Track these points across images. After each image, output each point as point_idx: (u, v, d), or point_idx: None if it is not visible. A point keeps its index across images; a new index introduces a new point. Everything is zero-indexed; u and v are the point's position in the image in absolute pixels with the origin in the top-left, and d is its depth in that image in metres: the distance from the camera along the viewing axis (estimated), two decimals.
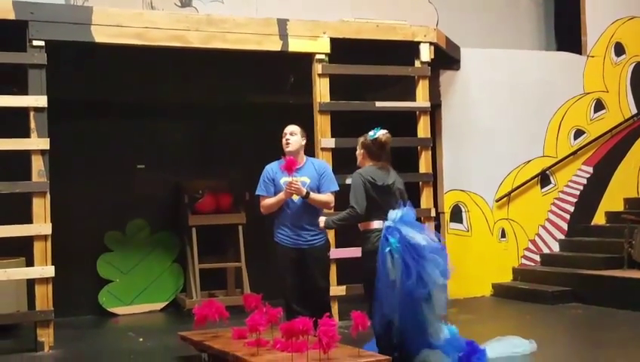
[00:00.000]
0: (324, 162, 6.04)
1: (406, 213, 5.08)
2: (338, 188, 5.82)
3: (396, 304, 4.90)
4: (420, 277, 4.86)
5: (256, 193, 5.86)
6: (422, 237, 4.97)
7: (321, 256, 5.73)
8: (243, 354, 5.05)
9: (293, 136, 5.78)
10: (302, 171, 5.76)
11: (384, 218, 5.09)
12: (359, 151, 5.44)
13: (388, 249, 4.93)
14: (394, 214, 5.06)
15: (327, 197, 5.74)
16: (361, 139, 5.44)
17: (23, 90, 6.59)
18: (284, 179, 5.67)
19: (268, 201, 5.78)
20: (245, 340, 5.36)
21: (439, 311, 4.98)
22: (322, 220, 5.40)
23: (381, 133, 5.36)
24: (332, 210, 5.86)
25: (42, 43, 6.54)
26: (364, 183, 5.21)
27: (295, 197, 5.65)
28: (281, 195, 5.69)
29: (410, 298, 4.88)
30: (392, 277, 4.89)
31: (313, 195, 5.65)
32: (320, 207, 5.71)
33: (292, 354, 4.77)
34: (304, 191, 5.61)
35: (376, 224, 5.17)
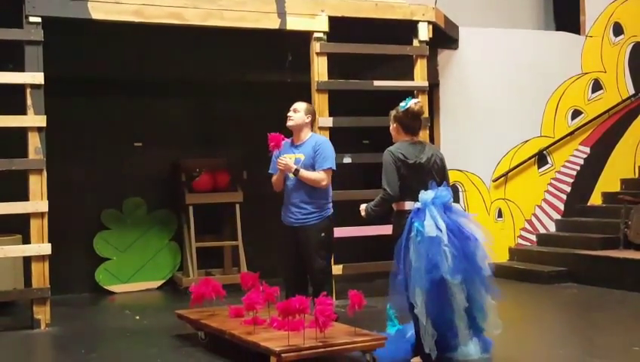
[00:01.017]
0: (323, 139, 5.89)
1: (439, 195, 4.71)
2: (332, 166, 5.70)
3: (420, 296, 4.60)
4: (430, 271, 4.56)
5: (269, 171, 5.87)
6: (441, 225, 4.59)
7: (314, 236, 5.62)
8: (239, 333, 5.07)
9: (295, 113, 5.76)
10: (301, 148, 5.74)
11: (417, 198, 4.74)
12: (392, 126, 5.01)
13: (412, 234, 4.63)
14: (425, 195, 4.69)
15: (317, 174, 5.63)
16: (392, 113, 5.00)
17: (19, 67, 6.55)
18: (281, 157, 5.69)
19: (273, 178, 5.82)
20: (242, 319, 5.38)
21: (459, 309, 4.63)
22: (363, 208, 5.02)
23: (413, 102, 4.94)
24: (324, 187, 5.70)
25: (39, 19, 6.48)
26: (394, 161, 4.80)
27: (291, 175, 5.65)
28: (278, 172, 5.72)
29: (431, 291, 4.59)
30: (415, 265, 4.59)
31: (303, 172, 5.60)
32: (314, 185, 5.63)
33: (288, 333, 4.78)
34: (293, 167, 5.60)
35: (409, 205, 4.78)
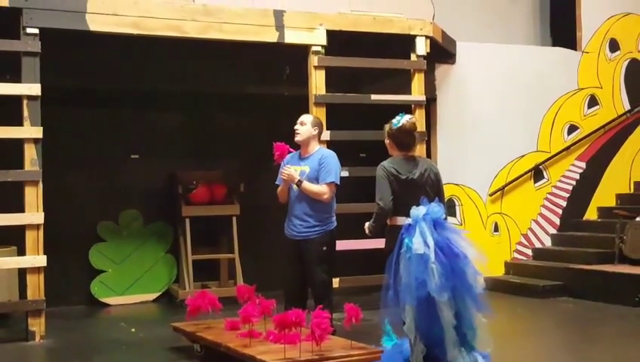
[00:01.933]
0: (329, 153, 5.82)
1: (431, 211, 4.66)
2: (336, 181, 5.67)
3: (409, 312, 4.59)
4: (417, 288, 4.52)
5: (276, 183, 5.86)
6: (430, 242, 4.56)
7: (315, 249, 5.61)
8: (235, 346, 5.06)
9: (302, 126, 5.74)
10: (308, 161, 5.73)
11: (409, 214, 4.70)
12: (387, 142, 5.07)
13: (403, 250, 4.61)
14: (417, 211, 4.66)
15: (319, 187, 5.61)
16: (386, 128, 5.05)
17: (16, 78, 6.55)
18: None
19: (278, 190, 5.81)
20: (238, 331, 5.37)
21: (447, 326, 4.57)
22: (366, 226, 5.07)
23: (406, 120, 4.96)
24: (326, 201, 5.70)
25: (36, 31, 6.49)
26: (387, 176, 4.87)
27: (295, 187, 5.64)
28: (283, 183, 5.72)
29: (420, 307, 4.56)
30: (405, 281, 4.57)
31: (306, 184, 5.59)
32: (317, 199, 5.61)
33: (284, 346, 4.77)
34: (296, 178, 5.59)
35: (401, 220, 4.79)
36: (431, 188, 4.97)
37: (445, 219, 4.77)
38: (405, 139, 4.99)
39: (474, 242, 4.84)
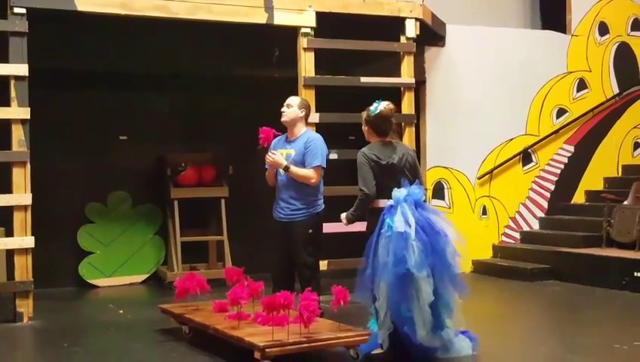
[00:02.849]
0: (315, 136, 5.79)
1: (412, 192, 4.82)
2: (322, 164, 5.65)
3: (383, 290, 4.71)
4: (396, 265, 4.64)
5: (265, 166, 5.82)
6: (411, 221, 4.68)
7: (301, 231, 5.60)
8: (223, 328, 5.07)
9: (289, 108, 5.70)
10: (293, 144, 5.70)
11: (390, 197, 4.85)
12: (364, 128, 5.16)
13: (383, 230, 4.74)
14: (398, 193, 4.81)
15: (306, 171, 5.58)
16: (363, 115, 5.14)
17: (3, 59, 6.49)
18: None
19: (266, 173, 5.79)
20: (226, 313, 5.38)
21: (423, 304, 4.66)
22: (343, 217, 5.15)
23: (383, 106, 5.05)
24: (314, 185, 5.69)
25: (23, 10, 6.43)
26: (368, 162, 4.97)
27: (282, 171, 5.62)
28: (270, 167, 5.70)
29: (395, 285, 4.67)
30: (382, 261, 4.70)
31: (293, 168, 5.57)
32: (303, 182, 5.60)
33: (273, 328, 4.78)
34: (283, 163, 5.57)
35: (382, 203, 4.91)
36: (409, 171, 5.08)
37: (425, 201, 4.93)
38: (383, 125, 5.08)
39: (454, 224, 4.97)
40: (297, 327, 4.76)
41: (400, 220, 4.70)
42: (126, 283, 8.60)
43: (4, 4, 6.44)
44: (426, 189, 5.07)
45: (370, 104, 5.17)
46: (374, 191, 4.94)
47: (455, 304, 4.86)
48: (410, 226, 4.68)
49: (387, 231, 4.73)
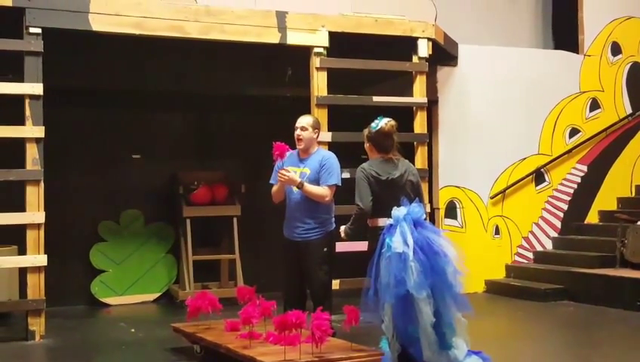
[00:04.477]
0: (330, 154, 5.80)
1: (412, 211, 4.75)
2: (337, 183, 5.65)
3: (387, 311, 4.65)
4: (396, 286, 4.58)
5: (270, 181, 5.82)
6: (409, 241, 4.62)
7: (316, 251, 5.58)
8: (235, 347, 5.05)
9: (303, 132, 5.68)
10: (307, 162, 5.69)
11: (390, 215, 4.78)
12: (366, 145, 5.17)
13: (384, 250, 4.68)
14: (397, 212, 4.75)
15: (321, 190, 5.57)
16: (365, 132, 5.16)
17: (19, 78, 6.55)
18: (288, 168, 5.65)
19: (273, 189, 5.77)
20: (238, 332, 5.36)
21: (425, 325, 4.60)
22: (342, 230, 5.19)
23: (384, 123, 5.06)
24: (327, 203, 5.68)
25: (39, 30, 6.50)
26: (367, 178, 4.97)
27: (295, 189, 5.61)
28: (278, 184, 5.68)
29: (397, 306, 4.62)
30: (384, 281, 4.63)
31: (307, 186, 5.55)
32: (318, 201, 5.58)
33: (284, 348, 4.77)
34: (297, 180, 5.55)
35: (382, 221, 4.88)
36: (411, 188, 5.07)
37: (425, 219, 4.89)
38: (384, 141, 5.08)
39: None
40: (309, 347, 4.74)
41: (399, 240, 4.64)
42: (138, 302, 8.60)
43: (20, 24, 6.51)
44: (426, 209, 5.01)
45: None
46: (370, 206, 4.95)
47: (458, 323, 4.78)
48: (408, 246, 4.62)
49: (387, 251, 4.68)
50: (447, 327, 4.73)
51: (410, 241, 4.63)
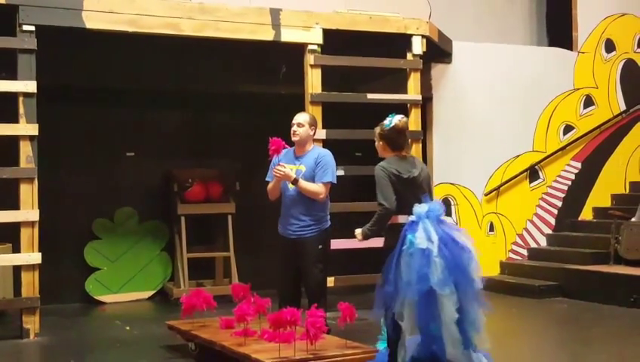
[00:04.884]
0: (326, 152, 5.81)
1: (433, 208, 4.67)
2: (333, 180, 5.65)
3: (407, 309, 4.55)
4: (419, 282, 4.50)
5: (266, 179, 5.82)
6: (433, 237, 4.55)
7: (311, 248, 5.58)
8: (230, 344, 5.06)
9: (300, 128, 5.69)
10: (303, 159, 5.69)
11: (411, 212, 4.67)
12: (378, 143, 5.02)
13: (405, 246, 4.58)
14: (419, 209, 4.65)
15: (316, 187, 5.58)
16: (377, 130, 5.00)
17: (12, 75, 6.54)
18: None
19: (268, 186, 5.76)
20: (233, 330, 5.37)
21: (449, 322, 4.53)
22: (358, 232, 4.91)
23: (397, 119, 4.92)
24: (322, 200, 5.69)
25: (32, 28, 6.48)
26: (388, 176, 4.80)
27: (290, 186, 5.61)
28: (274, 180, 5.68)
29: (419, 303, 4.52)
30: (405, 278, 4.54)
31: (302, 183, 5.54)
32: (313, 198, 5.58)
33: (279, 345, 4.77)
34: (292, 176, 5.55)
35: (402, 219, 4.74)
36: (427, 186, 4.99)
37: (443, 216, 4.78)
38: (398, 138, 4.97)
39: (473, 240, 4.85)
40: (304, 344, 4.75)
41: (422, 236, 4.57)
42: (133, 300, 8.59)
43: (14, 21, 6.49)
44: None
45: (379, 120, 5.14)
46: (394, 205, 4.79)
47: (480, 321, 4.70)
48: (432, 242, 4.56)
49: (409, 248, 4.60)
50: (470, 324, 4.67)
51: (435, 237, 4.56)
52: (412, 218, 4.66)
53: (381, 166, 4.88)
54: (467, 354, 4.68)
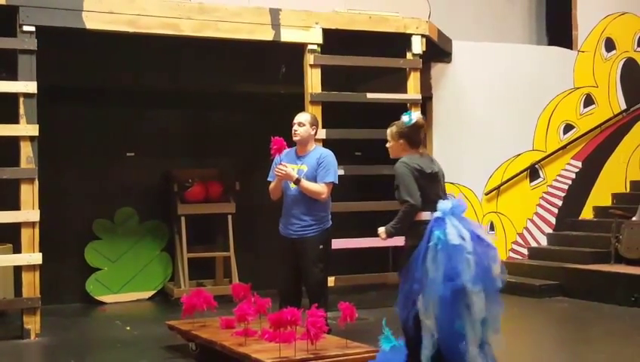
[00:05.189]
0: (327, 152, 5.81)
1: (457, 205, 4.59)
2: (334, 180, 5.65)
3: (432, 307, 4.46)
4: (451, 279, 4.42)
5: (268, 178, 5.82)
6: (464, 234, 4.47)
7: (312, 248, 5.59)
8: (230, 344, 5.06)
9: (301, 127, 5.70)
10: (304, 159, 5.70)
11: (434, 209, 4.57)
12: (397, 142, 4.80)
13: (432, 243, 4.47)
14: (444, 205, 4.56)
15: (318, 186, 5.58)
16: (394, 130, 4.80)
17: (12, 76, 6.54)
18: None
19: (270, 186, 5.76)
20: (233, 330, 5.37)
21: (476, 318, 4.47)
22: (382, 231, 4.72)
23: (416, 116, 4.78)
24: (323, 200, 5.69)
25: (33, 28, 6.49)
26: (411, 172, 4.64)
27: (292, 186, 5.61)
28: (276, 180, 5.68)
29: (446, 301, 4.44)
30: (431, 275, 4.44)
31: (304, 183, 5.55)
32: (315, 198, 5.58)
33: (280, 345, 4.77)
34: (294, 176, 5.56)
35: (425, 215, 4.61)
36: (444, 183, 4.92)
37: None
38: (418, 135, 4.81)
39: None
40: (304, 344, 4.74)
41: (454, 233, 4.49)
42: (133, 300, 8.59)
43: (14, 22, 6.49)
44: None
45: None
46: (420, 201, 4.64)
47: (499, 322, 4.65)
48: (464, 239, 4.48)
49: (437, 244, 4.49)
50: (491, 323, 4.62)
51: (466, 234, 4.50)
52: (438, 214, 4.56)
53: (403, 162, 4.71)
54: (484, 353, 4.66)
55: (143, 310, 8.31)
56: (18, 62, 6.48)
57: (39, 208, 6.48)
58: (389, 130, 4.85)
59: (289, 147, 5.76)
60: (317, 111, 7.36)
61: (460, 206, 4.63)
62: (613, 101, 9.97)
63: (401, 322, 4.64)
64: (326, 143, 7.27)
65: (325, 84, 7.48)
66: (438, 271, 4.47)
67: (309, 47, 7.44)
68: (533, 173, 9.51)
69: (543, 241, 9.51)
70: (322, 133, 7.31)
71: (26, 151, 6.49)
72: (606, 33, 9.98)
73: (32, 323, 6.46)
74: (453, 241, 4.46)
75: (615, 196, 9.79)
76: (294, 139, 5.73)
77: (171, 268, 8.80)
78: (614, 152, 9.91)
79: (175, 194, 8.49)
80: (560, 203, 9.63)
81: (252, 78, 8.62)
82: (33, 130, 6.49)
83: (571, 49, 9.87)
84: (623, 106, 9.99)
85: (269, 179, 5.79)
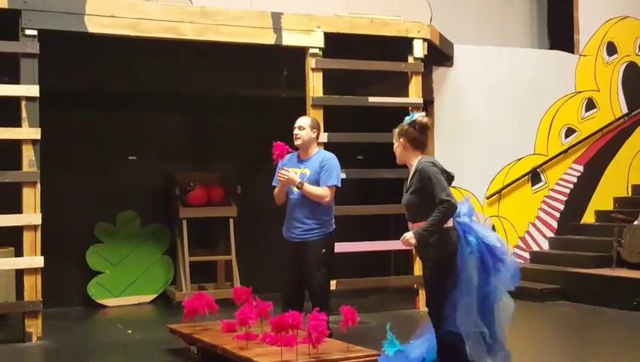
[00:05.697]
0: (330, 155, 5.80)
1: (470, 207, 4.53)
2: (337, 183, 5.66)
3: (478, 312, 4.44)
4: (492, 281, 4.42)
5: (272, 184, 5.81)
6: (494, 236, 4.46)
7: (315, 251, 5.58)
8: (232, 348, 5.06)
9: (301, 131, 5.71)
10: (307, 163, 5.71)
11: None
12: (402, 144, 4.61)
13: (469, 251, 4.39)
14: (465, 208, 4.47)
15: (320, 190, 5.58)
16: (402, 131, 4.61)
17: (14, 79, 6.55)
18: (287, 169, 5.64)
19: (275, 191, 5.76)
20: (234, 333, 5.37)
21: (504, 322, 4.53)
22: (410, 236, 4.44)
23: (420, 116, 4.61)
24: (327, 204, 5.67)
25: (35, 32, 6.50)
26: (441, 172, 4.47)
27: (295, 189, 5.62)
28: (280, 185, 5.68)
29: (485, 304, 4.44)
30: (475, 282, 4.36)
31: (307, 187, 5.56)
32: (318, 201, 5.58)
33: (281, 348, 4.77)
34: (296, 180, 5.56)
35: (451, 221, 4.45)
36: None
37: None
38: (422, 136, 4.64)
39: None
40: (306, 348, 4.74)
41: (489, 235, 4.48)
42: (134, 303, 8.60)
43: (16, 26, 6.50)
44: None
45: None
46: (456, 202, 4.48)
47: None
48: (501, 243, 4.48)
49: (473, 249, 4.44)
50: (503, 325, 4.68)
51: (501, 237, 4.55)
52: (465, 219, 4.50)
53: (430, 162, 4.53)
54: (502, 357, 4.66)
55: (145, 313, 8.31)
56: (20, 65, 6.49)
57: (41, 211, 6.49)
58: (396, 132, 4.71)
59: (291, 151, 5.76)
60: (318, 115, 7.36)
61: (472, 209, 4.65)
62: (614, 105, 9.97)
63: (455, 337, 4.46)
64: (327, 147, 7.26)
65: (327, 87, 7.48)
66: (481, 276, 4.46)
67: (311, 50, 7.45)
68: (534, 177, 9.51)
69: (545, 245, 9.50)
70: (324, 137, 7.30)
71: (28, 154, 6.49)
72: (608, 37, 9.99)
73: (34, 327, 6.46)
74: (495, 243, 4.47)
75: (617, 200, 9.78)
76: (296, 143, 5.73)
77: (173, 271, 8.80)
78: (616, 156, 9.91)
79: (177, 198, 8.49)
80: (562, 207, 9.62)
81: (254, 81, 8.63)
82: (35, 133, 6.50)
83: (573, 53, 9.88)
84: (625, 110, 9.99)
85: (273, 184, 5.79)
